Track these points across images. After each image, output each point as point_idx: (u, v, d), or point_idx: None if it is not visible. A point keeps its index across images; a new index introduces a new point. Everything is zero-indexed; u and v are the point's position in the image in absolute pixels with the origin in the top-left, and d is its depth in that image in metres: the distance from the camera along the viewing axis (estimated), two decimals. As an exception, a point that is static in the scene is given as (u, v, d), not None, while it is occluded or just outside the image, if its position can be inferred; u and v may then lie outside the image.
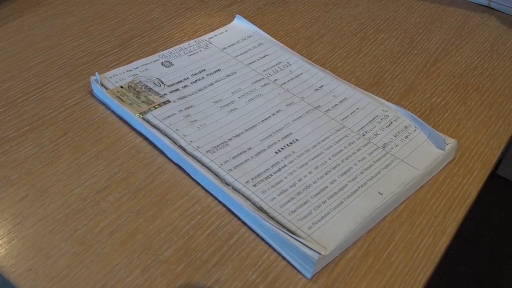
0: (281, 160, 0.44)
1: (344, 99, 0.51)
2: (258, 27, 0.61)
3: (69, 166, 0.43)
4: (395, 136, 0.48)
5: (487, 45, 0.65)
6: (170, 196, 0.42)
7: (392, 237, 0.41)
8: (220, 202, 0.42)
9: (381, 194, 0.42)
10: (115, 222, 0.40)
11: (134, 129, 0.47)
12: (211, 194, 0.42)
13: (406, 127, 0.49)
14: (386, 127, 0.49)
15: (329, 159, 0.45)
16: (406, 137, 0.48)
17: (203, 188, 0.43)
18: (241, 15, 0.63)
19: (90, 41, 0.57)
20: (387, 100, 0.54)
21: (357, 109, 0.50)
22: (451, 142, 0.47)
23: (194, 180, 0.43)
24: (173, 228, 0.40)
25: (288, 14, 0.66)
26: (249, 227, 0.40)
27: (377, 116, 0.50)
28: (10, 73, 0.52)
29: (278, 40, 0.60)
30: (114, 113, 0.49)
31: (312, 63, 0.56)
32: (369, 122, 0.49)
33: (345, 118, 0.49)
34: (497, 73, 0.60)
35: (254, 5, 0.68)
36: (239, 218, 0.41)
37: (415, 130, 0.48)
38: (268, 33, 0.61)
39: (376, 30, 0.65)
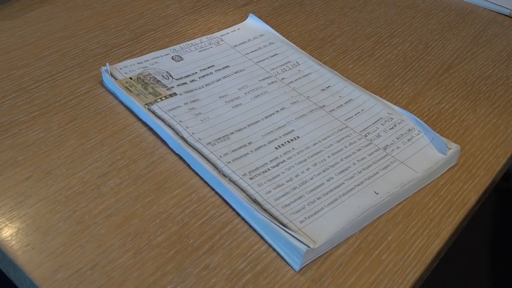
0: (280, 155, 0.46)
1: (349, 100, 0.53)
2: (271, 27, 0.63)
3: (74, 151, 0.46)
4: (397, 139, 0.49)
5: (504, 55, 0.65)
6: (169, 184, 0.44)
7: (385, 236, 0.42)
8: (216, 193, 0.44)
9: (377, 193, 0.43)
10: (113, 206, 0.42)
11: (140, 119, 0.50)
12: (209, 185, 0.44)
13: (409, 130, 0.50)
14: (389, 129, 0.50)
15: (328, 157, 0.46)
16: (409, 140, 0.49)
17: (201, 178, 0.45)
18: (255, 15, 0.65)
19: (105, 34, 0.60)
20: (394, 103, 0.55)
21: (361, 110, 0.52)
22: (453, 147, 0.48)
23: (193, 170, 0.45)
24: (168, 215, 0.42)
25: (303, 16, 0.68)
26: (243, 218, 0.42)
27: (381, 118, 0.51)
28: (25, 61, 0.55)
29: (290, 41, 0.62)
30: (122, 103, 0.51)
31: (322, 64, 0.58)
32: (372, 124, 0.50)
33: (349, 118, 0.51)
34: (511, 82, 0.61)
35: (270, 5, 0.70)
36: (233, 209, 0.43)
37: (418, 134, 0.50)
38: (281, 33, 0.63)
39: (391, 34, 0.67)
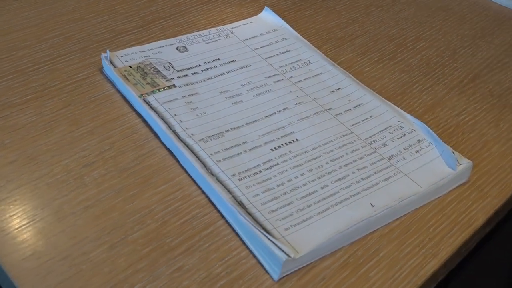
0: (275, 158, 0.46)
1: (359, 105, 0.52)
2: (288, 21, 0.63)
3: (63, 137, 0.47)
4: (404, 149, 0.48)
5: (540, 67, 0.64)
6: (154, 179, 0.45)
7: (377, 252, 0.42)
8: (203, 192, 0.44)
9: (373, 206, 0.43)
10: (94, 197, 0.43)
11: (135, 110, 0.50)
12: (196, 183, 0.45)
13: (419, 141, 0.49)
14: (397, 138, 0.49)
15: (326, 163, 0.46)
16: (417, 151, 0.48)
17: (189, 176, 0.45)
18: (273, 8, 0.65)
19: (113, 19, 0.61)
20: (409, 112, 0.54)
21: (370, 116, 0.51)
22: (465, 163, 0.47)
23: (182, 167, 0.46)
24: (149, 211, 0.42)
25: (324, 12, 0.68)
26: (226, 221, 0.42)
27: (391, 126, 0.50)
28: (27, 42, 0.57)
29: (306, 38, 0.62)
30: (119, 92, 0.52)
31: (335, 64, 0.57)
32: (380, 132, 0.50)
33: (355, 124, 0.50)
34: (543, 97, 0.59)
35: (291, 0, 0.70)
36: (218, 211, 0.43)
37: (428, 146, 0.49)
38: (297, 29, 0.63)
39: (417, 38, 0.66)
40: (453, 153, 0.48)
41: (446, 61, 0.63)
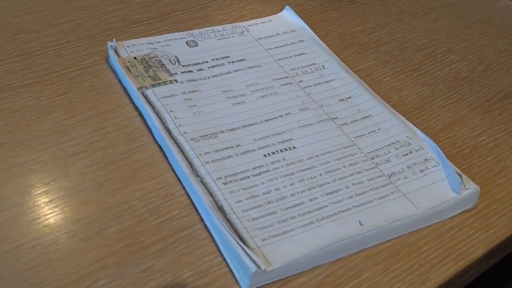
0: (266, 164, 0.46)
1: (367, 116, 0.52)
2: (311, 23, 0.63)
3: (56, 124, 0.49)
4: (408, 168, 0.48)
5: None
6: (140, 175, 0.46)
7: (359, 274, 0.41)
8: (186, 193, 0.45)
9: (361, 224, 0.43)
10: (75, 188, 0.44)
11: (133, 103, 0.52)
12: (181, 183, 0.45)
13: (426, 160, 0.48)
14: (403, 155, 0.49)
15: (320, 175, 0.46)
16: (421, 171, 0.47)
17: (176, 175, 0.46)
18: (298, 8, 0.65)
19: (128, 8, 0.63)
20: (424, 128, 0.53)
21: (378, 129, 0.51)
22: (471, 188, 0.46)
23: (170, 165, 0.47)
24: (129, 206, 0.43)
25: (351, 16, 0.68)
26: (205, 225, 0.43)
27: (398, 141, 0.50)
28: (37, 26, 0.59)
29: (327, 41, 0.62)
30: (121, 83, 0.54)
31: (350, 71, 0.57)
32: (384, 146, 0.49)
33: (360, 136, 0.50)
34: None
35: (318, 0, 0.70)
36: (199, 214, 0.44)
37: (435, 166, 0.48)
38: (319, 32, 0.63)
39: (448, 50, 0.65)
40: (461, 176, 0.47)
41: (476, 77, 0.61)
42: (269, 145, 0.48)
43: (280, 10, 0.66)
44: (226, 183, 0.44)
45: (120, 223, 0.42)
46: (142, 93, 0.51)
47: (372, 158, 0.48)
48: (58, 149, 0.47)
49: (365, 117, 0.52)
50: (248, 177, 0.45)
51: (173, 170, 0.46)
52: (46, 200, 0.43)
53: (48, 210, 0.42)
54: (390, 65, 0.61)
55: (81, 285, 0.38)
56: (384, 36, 0.65)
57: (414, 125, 0.53)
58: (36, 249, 0.40)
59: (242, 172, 0.45)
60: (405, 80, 0.59)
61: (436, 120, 0.55)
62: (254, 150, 0.47)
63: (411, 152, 0.49)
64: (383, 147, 0.49)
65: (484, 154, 0.52)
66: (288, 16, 0.63)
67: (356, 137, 0.50)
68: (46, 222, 0.41)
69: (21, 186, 0.44)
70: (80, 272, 0.39)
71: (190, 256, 0.41)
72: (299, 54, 0.58)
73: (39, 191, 0.43)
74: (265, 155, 0.47)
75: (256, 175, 0.45)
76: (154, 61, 0.54)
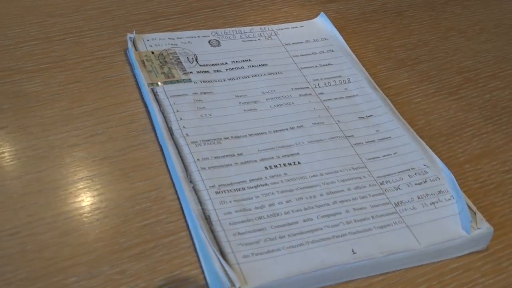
0: (266, 177, 0.46)
1: (386, 138, 0.51)
2: (347, 32, 0.63)
3: (60, 113, 0.50)
4: (418, 198, 0.46)
5: None
6: (134, 174, 0.47)
7: (343, 305, 0.41)
8: (178, 197, 0.45)
9: (354, 253, 0.42)
10: (66, 179, 0.45)
11: (143, 99, 0.53)
12: (174, 187, 0.46)
13: (440, 192, 0.47)
14: (415, 184, 0.47)
15: (321, 195, 0.45)
16: (432, 203, 0.46)
17: (171, 178, 0.47)
18: (337, 16, 0.64)
19: (157, 0, 0.64)
20: (448, 157, 0.52)
21: (394, 153, 0.50)
22: (484, 228, 0.44)
23: (167, 167, 0.47)
24: (115, 206, 0.44)
25: (393, 28, 0.67)
26: (190, 234, 0.43)
27: (413, 168, 0.49)
28: (63, 10, 0.61)
29: (360, 54, 0.61)
30: (135, 77, 0.55)
31: (378, 88, 0.56)
32: (397, 172, 0.48)
33: (373, 158, 0.49)
34: None
35: (360, 8, 0.69)
36: (186, 221, 0.44)
37: (448, 200, 0.46)
38: (353, 42, 0.62)
39: (493, 75, 0.62)
40: (475, 213, 0.45)
41: (518, 107, 0.59)
42: (272, 158, 0.48)
43: (317, 16, 0.65)
44: (219, 192, 0.44)
45: (103, 221, 0.43)
46: (152, 90, 0.51)
47: (381, 184, 0.47)
48: (57, 138, 0.48)
49: (383, 139, 0.51)
50: (243, 188, 0.45)
51: (169, 173, 0.47)
52: (35, 189, 0.44)
53: (33, 200, 0.43)
54: (424, 85, 0.60)
55: (51, 279, 0.39)
56: (425, 54, 0.64)
57: (437, 153, 0.51)
58: (14, 238, 0.41)
59: (238, 182, 0.45)
60: (438, 103, 0.58)
61: (463, 150, 0.53)
62: (256, 161, 0.47)
63: (425, 181, 0.48)
64: (395, 173, 0.48)
65: (510, 193, 0.50)
66: (322, 23, 0.63)
67: (369, 159, 0.49)
68: (29, 211, 0.43)
69: (14, 172, 0.45)
70: (53, 266, 0.40)
71: (168, 264, 0.41)
72: (326, 65, 0.58)
73: (28, 179, 0.45)
74: (266, 168, 0.47)
75: (252, 187, 0.45)
76: (171, 57, 0.55)
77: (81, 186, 0.45)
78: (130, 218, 0.44)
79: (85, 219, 0.43)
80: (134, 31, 0.57)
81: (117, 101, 0.52)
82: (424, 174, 0.48)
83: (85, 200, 0.44)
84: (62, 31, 0.59)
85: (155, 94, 0.51)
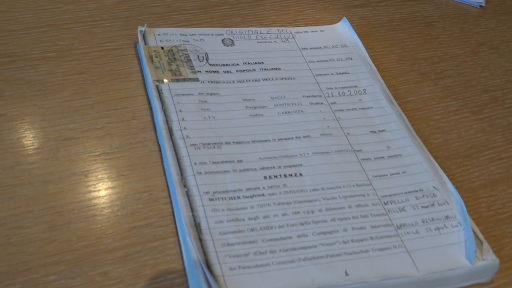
0: (264, 187, 0.46)
1: (396, 155, 0.51)
2: (370, 39, 0.62)
3: (61, 104, 0.51)
4: (423, 222, 0.46)
5: None
6: (128, 173, 0.47)
7: (330, 329, 0.40)
8: (170, 201, 0.46)
9: (347, 275, 0.42)
10: (58, 174, 0.46)
11: (147, 95, 0.53)
12: (168, 190, 0.46)
13: (446, 217, 0.46)
14: (422, 207, 0.47)
15: (319, 210, 0.45)
16: (437, 229, 0.45)
17: (166, 180, 0.47)
18: (363, 22, 0.64)
19: (175, -6, 0.65)
20: (461, 181, 0.51)
21: (403, 172, 0.49)
22: (489, 260, 0.43)
23: (163, 168, 0.48)
24: (105, 205, 0.45)
25: (420, 39, 0.66)
26: (178, 240, 0.43)
27: (421, 190, 0.48)
28: (77, -2, 0.62)
29: (381, 64, 0.60)
30: (142, 72, 0.55)
31: (394, 101, 0.56)
32: (404, 193, 0.48)
33: (380, 176, 0.49)
34: None
35: (388, 15, 0.68)
36: (176, 227, 0.44)
37: (455, 227, 0.46)
38: (376, 51, 0.61)
39: (522, 96, 0.61)
40: (482, 243, 0.44)
41: (545, 133, 0.58)
42: (273, 167, 0.48)
43: (340, 20, 0.65)
44: (213, 199, 0.44)
45: (90, 220, 0.44)
46: (157, 87, 0.52)
47: (385, 204, 0.47)
48: (54, 130, 0.49)
49: (393, 156, 0.50)
50: (238, 197, 0.45)
51: (164, 175, 0.47)
52: (25, 181, 0.45)
53: (23, 191, 0.44)
54: (446, 101, 0.59)
55: (31, 276, 0.40)
56: (451, 68, 0.63)
57: (451, 175, 0.51)
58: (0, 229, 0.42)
59: (233, 191, 0.45)
60: (458, 122, 0.57)
61: (479, 174, 0.52)
62: (255, 169, 0.47)
63: (432, 205, 0.47)
64: (402, 193, 0.48)
65: (524, 224, 0.49)
66: (343, 28, 0.62)
67: (375, 176, 0.49)
68: (18, 203, 0.43)
69: (6, 162, 0.46)
70: (34, 262, 0.41)
71: (153, 270, 0.42)
72: (342, 73, 0.57)
73: (21, 170, 0.46)
74: (265, 177, 0.47)
75: (248, 197, 0.45)
76: (181, 54, 0.56)
77: (73, 182, 0.46)
78: (119, 219, 0.44)
79: (73, 216, 0.43)
80: (146, 24, 0.57)
81: (121, 96, 0.53)
82: (432, 197, 0.48)
83: (76, 196, 0.45)
84: (74, 19, 0.59)
85: (159, 92, 0.52)
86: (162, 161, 0.48)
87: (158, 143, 0.49)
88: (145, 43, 0.56)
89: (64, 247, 0.42)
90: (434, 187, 0.48)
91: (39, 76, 0.53)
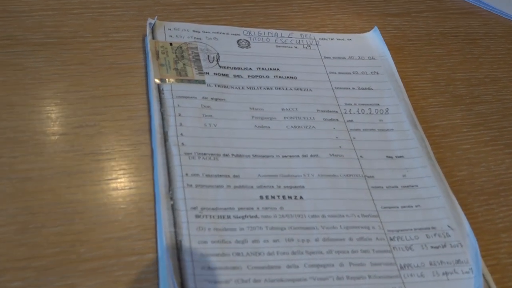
0: (257, 208, 0.45)
1: (412, 186, 0.49)
2: (404, 53, 0.61)
3: (54, 95, 0.51)
4: (430, 264, 0.44)
5: None
6: (115, 177, 0.47)
7: None
8: (155, 213, 0.45)
9: (335, 315, 0.40)
10: (38, 171, 0.46)
11: (148, 94, 0.53)
12: (155, 201, 0.46)
13: (457, 262, 0.45)
14: (432, 247, 0.45)
15: (316, 240, 0.44)
16: (445, 273, 0.44)
17: (154, 189, 0.46)
18: (398, 33, 0.63)
19: (196, -15, 0.64)
20: (482, 221, 0.49)
21: (416, 205, 0.48)
22: (499, 315, 0.42)
23: (153, 176, 0.47)
24: (84, 210, 0.44)
25: (460, 57, 0.64)
26: (157, 257, 0.43)
27: (434, 228, 0.47)
28: (90, -18, 0.62)
29: (412, 81, 0.59)
30: (146, 68, 0.55)
31: (419, 126, 0.54)
32: (414, 229, 0.46)
33: (389, 207, 0.47)
34: None
35: (428, 27, 0.67)
36: (157, 242, 0.44)
37: (465, 273, 0.44)
38: (407, 66, 0.60)
39: None
40: (492, 296, 0.43)
41: None
42: (272, 186, 0.47)
43: (372, 28, 0.64)
44: (200, 216, 0.44)
45: (67, 225, 0.43)
46: (158, 86, 0.51)
47: (391, 239, 0.45)
48: (42, 123, 0.49)
49: (408, 186, 0.49)
50: (228, 216, 0.44)
51: (153, 183, 0.47)
52: (3, 175, 0.45)
53: (2, 187, 0.44)
54: (479, 130, 0.57)
55: (-6, 279, 0.40)
56: (490, 93, 0.61)
57: (471, 214, 0.49)
58: (-32, 226, 0.42)
59: (224, 209, 0.45)
60: (489, 154, 0.55)
61: (505, 216, 0.51)
62: (252, 187, 0.46)
63: (444, 246, 0.46)
64: (411, 229, 0.46)
65: (548, 277, 0.47)
66: (373, 38, 0.61)
67: (385, 207, 0.47)
68: (-9, 199, 0.44)
69: (-14, 153, 0.46)
70: (1, 264, 0.41)
71: (123, 286, 0.41)
72: (365, 88, 0.56)
73: (0, 162, 0.45)
74: (261, 197, 0.46)
75: (239, 217, 0.44)
76: (190, 52, 0.55)
77: (54, 181, 0.46)
78: (97, 227, 0.44)
79: (48, 219, 0.43)
80: (156, 17, 0.57)
81: (119, 92, 0.53)
82: (445, 237, 0.46)
83: (54, 197, 0.45)
84: (83, 4, 0.59)
85: (160, 92, 0.51)
86: (154, 168, 0.48)
87: (152, 147, 0.49)
88: (153, 37, 0.56)
89: (34, 252, 0.42)
90: (448, 226, 0.47)
91: (37, 63, 0.53)
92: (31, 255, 0.42)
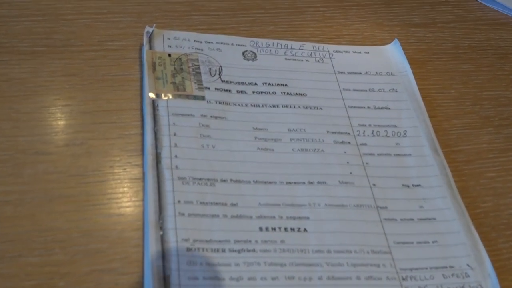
0: (256, 241, 0.44)
1: (429, 219, 0.48)
2: (428, 68, 0.60)
3: (39, 110, 0.50)
4: (446, 309, 0.43)
5: None
6: (100, 203, 0.46)
7: None
8: (143, 244, 0.44)
9: None
10: (19, 195, 0.45)
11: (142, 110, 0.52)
12: (144, 230, 0.45)
13: (477, 306, 0.43)
14: (448, 288, 0.44)
15: (319, 278, 0.43)
16: (463, 319, 0.42)
17: (143, 216, 0.45)
18: (423, 46, 0.62)
19: (201, -10, 0.63)
20: (505, 259, 0.48)
21: (433, 241, 0.46)
22: None
23: (143, 202, 0.46)
24: (66, 238, 0.44)
25: (489, 74, 0.63)
26: (142, 292, 0.42)
27: (452, 267, 0.45)
28: (85, -13, 0.61)
29: (434, 100, 0.58)
30: (142, 80, 0.54)
31: (440, 152, 0.52)
32: (430, 268, 0.45)
33: (403, 243, 0.46)
34: None
35: (455, 40, 0.65)
36: (143, 276, 0.43)
37: (485, 318, 0.43)
38: (431, 83, 0.59)
39: None
40: None
41: None
42: (273, 217, 0.46)
43: (393, 40, 0.62)
44: (191, 249, 0.43)
45: (47, 255, 0.43)
46: (153, 102, 0.50)
47: (403, 279, 0.44)
48: (26, 141, 0.48)
49: (425, 219, 0.48)
50: (223, 250, 0.43)
51: (143, 209, 0.46)
52: (-20, 198, 0.44)
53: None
54: (507, 156, 0.55)
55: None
56: (520, 115, 0.59)
57: (495, 250, 0.48)
58: None
59: (219, 241, 0.44)
60: (517, 184, 0.53)
61: (532, 253, 0.49)
62: (251, 217, 0.45)
63: (462, 287, 0.44)
64: (427, 268, 0.45)
65: None
66: (392, 52, 0.60)
67: (398, 242, 0.46)
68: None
69: (-38, 173, 0.46)
70: (-30, 296, 0.40)
71: (104, 324, 0.40)
72: (381, 108, 0.55)
73: (-23, 185, 0.45)
74: (260, 229, 0.45)
75: (235, 251, 0.43)
76: (190, 65, 0.54)
77: (34, 206, 0.45)
78: (78, 258, 0.43)
79: (25, 247, 0.43)
80: (154, 25, 0.56)
81: (111, 107, 0.52)
82: (463, 277, 0.45)
83: (34, 224, 0.44)
84: (76, 9, 0.59)
85: (154, 108, 0.50)
86: (144, 193, 0.46)
87: (144, 170, 0.48)
88: (150, 47, 0.55)
89: (9, 284, 0.41)
90: (468, 265, 0.45)
91: (23, 74, 0.53)
92: (5, 287, 0.41)
